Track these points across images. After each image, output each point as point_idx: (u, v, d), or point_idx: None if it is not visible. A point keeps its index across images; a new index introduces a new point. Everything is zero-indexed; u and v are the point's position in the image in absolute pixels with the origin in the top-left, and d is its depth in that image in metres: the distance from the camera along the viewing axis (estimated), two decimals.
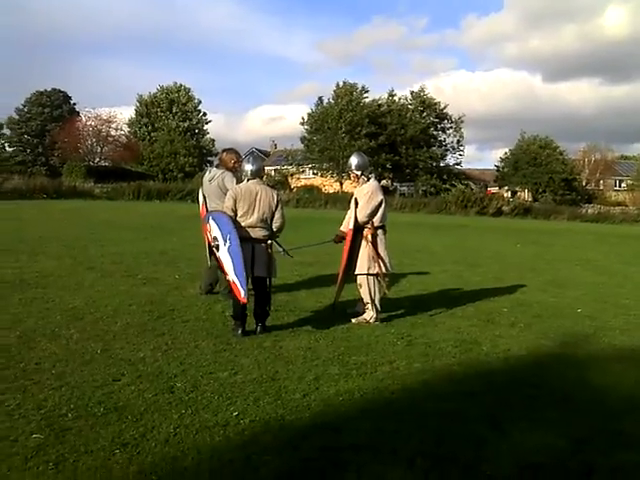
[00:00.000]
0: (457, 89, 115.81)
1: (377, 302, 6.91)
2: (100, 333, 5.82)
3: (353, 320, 6.85)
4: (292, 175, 56.74)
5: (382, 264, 6.87)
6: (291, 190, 47.88)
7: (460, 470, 3.48)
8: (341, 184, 53.98)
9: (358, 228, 6.88)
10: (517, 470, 3.52)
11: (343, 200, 37.47)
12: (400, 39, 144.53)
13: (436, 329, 6.72)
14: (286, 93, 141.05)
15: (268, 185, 6.64)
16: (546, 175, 54.59)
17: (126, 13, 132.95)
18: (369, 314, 6.88)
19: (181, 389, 4.47)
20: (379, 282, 6.95)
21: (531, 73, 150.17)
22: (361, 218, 6.83)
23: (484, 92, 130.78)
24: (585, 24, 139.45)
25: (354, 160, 7.14)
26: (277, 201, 6.29)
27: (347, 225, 7.03)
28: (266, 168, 62.55)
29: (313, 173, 57.99)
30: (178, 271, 9.52)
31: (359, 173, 7.07)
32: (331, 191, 48.71)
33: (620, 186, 64.96)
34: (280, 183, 51.71)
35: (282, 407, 4.26)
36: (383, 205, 6.96)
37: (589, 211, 45.11)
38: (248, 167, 6.34)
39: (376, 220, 6.89)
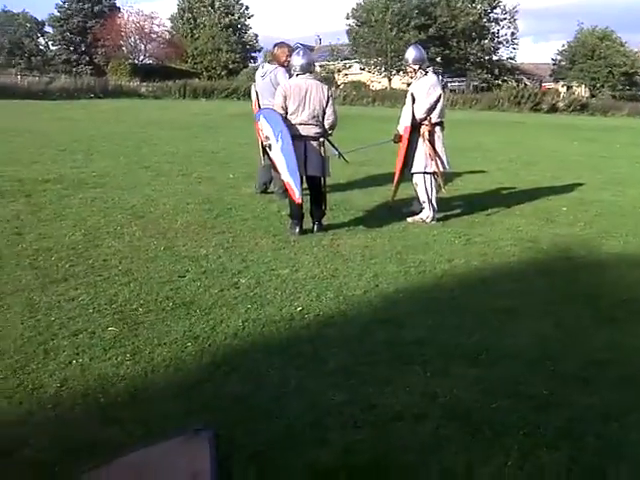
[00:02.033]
0: None
1: (434, 201, 6.82)
2: (162, 231, 5.95)
3: (409, 219, 6.81)
4: (339, 71, 55.27)
5: (439, 162, 6.72)
6: (337, 87, 46.81)
7: (524, 365, 3.51)
8: (389, 80, 52.51)
9: (415, 125, 6.68)
10: (582, 366, 3.54)
11: (391, 97, 36.74)
12: None
13: (494, 228, 6.65)
14: None
15: (318, 80, 6.45)
16: (605, 69, 51.87)
17: None
18: (425, 213, 6.82)
19: (245, 285, 4.57)
20: (436, 180, 6.84)
21: None
22: (419, 114, 6.60)
23: None
24: None
25: (411, 53, 6.82)
26: (328, 97, 6.10)
27: (404, 122, 6.83)
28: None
29: (360, 69, 56.38)
30: (231, 170, 9.54)
31: (416, 67, 6.77)
32: (379, 88, 47.51)
33: None
34: (326, 80, 50.54)
35: (344, 303, 4.34)
36: (441, 100, 6.72)
37: None
38: (297, 61, 6.13)
39: (434, 116, 6.66)
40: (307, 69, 6.16)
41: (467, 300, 4.54)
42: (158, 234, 5.82)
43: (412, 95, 6.66)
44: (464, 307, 4.38)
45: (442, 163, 6.78)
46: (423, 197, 6.82)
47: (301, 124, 6.01)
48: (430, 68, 7.00)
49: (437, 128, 6.78)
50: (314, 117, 6.03)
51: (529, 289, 4.81)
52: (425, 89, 6.65)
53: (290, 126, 5.93)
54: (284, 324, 3.91)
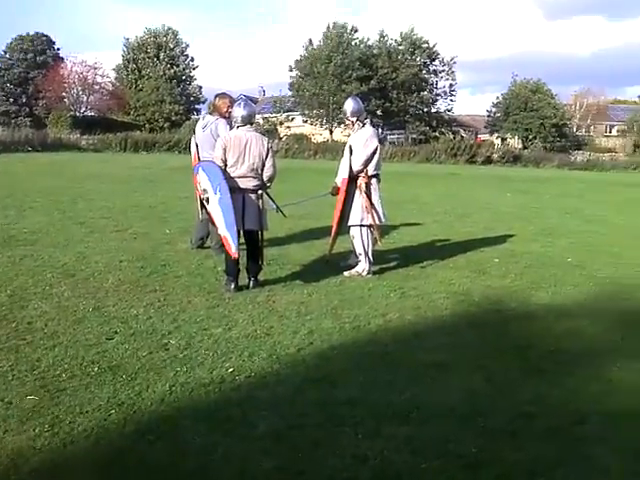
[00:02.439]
0: (452, 28, 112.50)
1: (370, 254, 6.89)
2: (92, 290, 5.79)
3: (346, 273, 6.84)
4: (281, 123, 56.00)
5: (375, 215, 6.81)
6: (280, 139, 47.36)
7: (454, 422, 3.52)
8: (331, 132, 53.47)
9: (352, 177, 6.75)
10: (510, 420, 3.58)
11: (333, 150, 37.26)
12: None
13: (428, 281, 6.74)
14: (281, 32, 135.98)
15: (259, 132, 6.49)
16: (537, 120, 54.15)
17: None
18: (362, 266, 6.87)
19: (175, 346, 4.47)
20: (372, 233, 6.92)
21: (533, 9, 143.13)
22: (356, 166, 6.69)
23: (483, 30, 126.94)
24: None
25: (349, 105, 6.95)
26: (267, 149, 6.13)
27: (341, 175, 6.91)
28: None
29: (303, 121, 57.29)
30: (168, 225, 9.44)
31: (354, 119, 6.91)
32: (320, 140, 48.28)
33: (611, 132, 64.65)
34: (269, 132, 51.10)
35: (277, 362, 4.29)
36: (378, 152, 6.84)
37: (578, 158, 45.08)
38: (239, 112, 6.14)
39: (370, 168, 6.77)
40: (248, 121, 6.18)
41: (400, 355, 4.56)
42: (88, 294, 5.67)
43: (350, 147, 6.78)
44: (397, 363, 4.40)
45: (378, 216, 6.88)
46: (359, 250, 6.88)
47: (240, 177, 6.01)
48: (368, 120, 7.15)
49: (373, 180, 6.89)
50: (253, 170, 6.05)
51: (461, 343, 4.87)
52: (362, 141, 6.77)
53: (229, 179, 5.92)
54: (214, 387, 3.83)
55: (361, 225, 6.81)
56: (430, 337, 5.00)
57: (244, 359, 4.30)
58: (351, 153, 6.74)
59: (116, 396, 3.61)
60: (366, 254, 6.87)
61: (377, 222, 6.88)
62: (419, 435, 3.36)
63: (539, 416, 3.64)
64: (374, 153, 6.79)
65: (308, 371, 4.19)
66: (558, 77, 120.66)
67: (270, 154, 6.16)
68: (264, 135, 6.53)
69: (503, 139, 57.39)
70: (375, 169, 6.85)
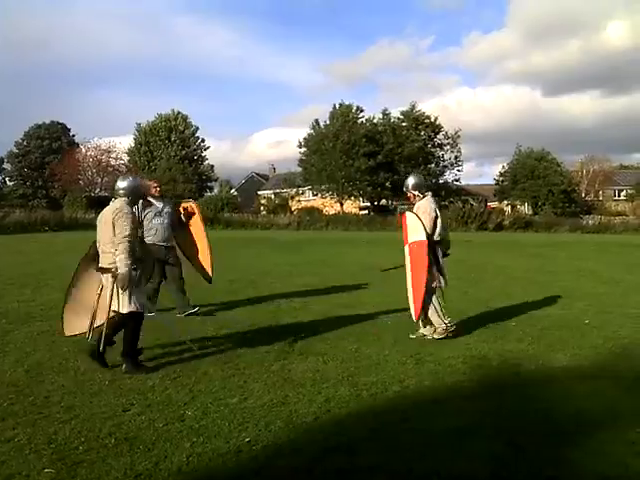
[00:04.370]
0: (460, 106, 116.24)
1: (442, 314, 7.01)
2: (107, 363, 5.79)
3: (412, 335, 7.11)
4: (292, 198, 56.83)
5: (442, 279, 7.06)
6: (292, 212, 47.98)
7: None
8: (341, 204, 54.11)
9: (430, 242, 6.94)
10: None
11: (344, 221, 37.77)
12: (405, 59, 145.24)
13: (444, 346, 6.69)
14: (290, 117, 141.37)
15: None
16: (545, 188, 54.59)
17: (124, 44, 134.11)
18: (430, 329, 7.08)
19: (191, 417, 4.44)
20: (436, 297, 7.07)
21: (532, 88, 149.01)
22: (429, 231, 6.96)
23: (485, 108, 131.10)
24: (586, 38, 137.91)
25: (411, 180, 7.41)
26: (114, 217, 5.47)
27: (415, 237, 7.02)
28: (265, 192, 62.81)
29: (313, 194, 58.13)
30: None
31: (416, 192, 7.30)
32: (332, 212, 48.87)
33: (619, 196, 65.00)
34: (280, 206, 51.85)
35: (294, 431, 4.23)
36: (439, 220, 7.12)
37: (590, 222, 45.22)
38: (117, 185, 5.77)
39: (435, 235, 7.04)
40: (126, 193, 5.73)
41: (419, 421, 4.49)
42: (103, 367, 5.65)
43: (417, 216, 7.03)
44: (416, 429, 4.32)
45: (445, 279, 7.14)
46: (431, 313, 7.01)
47: (100, 253, 5.76)
48: (429, 193, 7.40)
49: (437, 247, 7.11)
50: (104, 244, 5.66)
51: (481, 407, 4.79)
52: (427, 211, 7.05)
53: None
54: (231, 457, 3.78)
55: (426, 290, 6.92)
56: (449, 402, 4.92)
57: (261, 429, 4.26)
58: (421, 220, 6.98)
59: (133, 467, 3.58)
60: (438, 315, 6.98)
61: (442, 286, 7.10)
62: None
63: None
64: (435, 221, 7.05)
65: (326, 439, 4.12)
66: (561, 147, 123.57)
67: (118, 216, 5.49)
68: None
69: (513, 206, 57.75)
70: (438, 236, 7.09)
